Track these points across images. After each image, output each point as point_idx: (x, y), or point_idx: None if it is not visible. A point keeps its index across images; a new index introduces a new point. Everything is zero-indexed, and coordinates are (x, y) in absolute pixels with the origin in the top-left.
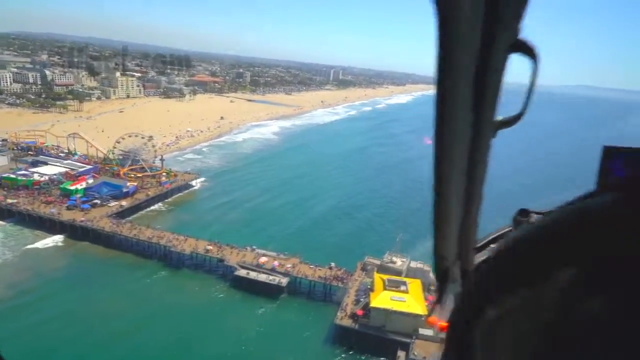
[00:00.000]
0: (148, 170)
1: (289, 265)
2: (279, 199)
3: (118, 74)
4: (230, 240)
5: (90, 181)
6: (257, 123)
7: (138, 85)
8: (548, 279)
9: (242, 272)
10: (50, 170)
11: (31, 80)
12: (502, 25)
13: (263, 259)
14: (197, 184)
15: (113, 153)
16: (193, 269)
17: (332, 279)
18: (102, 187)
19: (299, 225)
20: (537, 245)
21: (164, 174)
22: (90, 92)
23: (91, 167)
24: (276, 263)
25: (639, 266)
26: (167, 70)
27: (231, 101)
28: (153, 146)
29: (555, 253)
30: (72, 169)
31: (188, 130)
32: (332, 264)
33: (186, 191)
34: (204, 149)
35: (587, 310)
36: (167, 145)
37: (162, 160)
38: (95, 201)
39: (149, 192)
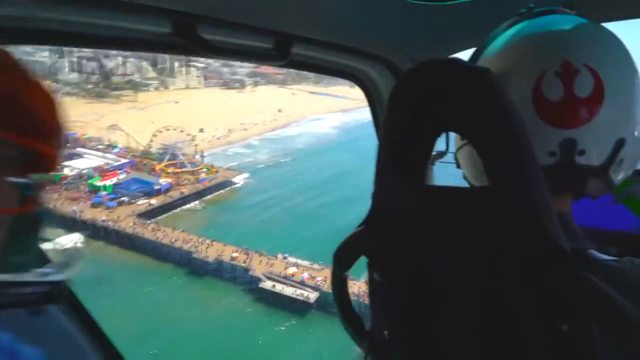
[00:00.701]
0: (188, 166)
1: (319, 278)
2: (322, 198)
3: (177, 64)
4: (260, 243)
5: (122, 177)
6: (316, 116)
7: (198, 76)
8: None
9: (267, 284)
10: (83, 163)
11: (89, 70)
12: None
13: (291, 270)
14: (239, 180)
15: (150, 147)
16: (216, 276)
17: (367, 296)
18: (132, 184)
19: (338, 228)
20: None
21: (204, 170)
22: (149, 82)
23: (127, 161)
24: (306, 275)
25: None
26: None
27: (292, 93)
28: (193, 139)
29: None
30: (107, 163)
31: (242, 123)
32: None
33: (227, 188)
34: (255, 143)
35: None
36: (218, 139)
37: (202, 156)
38: (123, 199)
39: (184, 190)
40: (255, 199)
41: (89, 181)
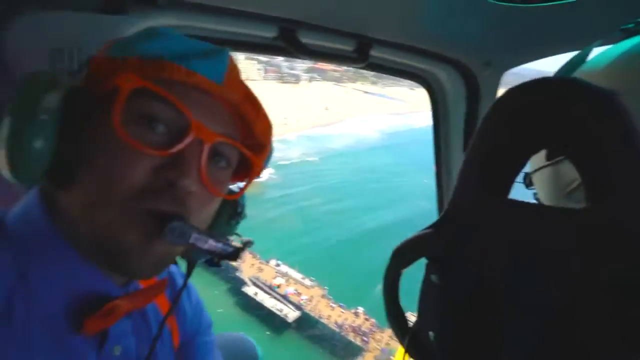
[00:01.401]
0: None
1: (304, 297)
2: (340, 203)
3: (243, 56)
4: (259, 241)
5: None
6: (363, 117)
7: (259, 69)
8: None
9: (250, 290)
10: None
11: None
12: None
13: (277, 281)
14: (264, 175)
15: None
16: (204, 267)
17: (349, 330)
18: None
19: (346, 239)
20: None
21: None
22: None
23: None
24: (290, 290)
25: None
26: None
27: (346, 92)
28: None
29: None
30: None
31: (285, 118)
32: (360, 309)
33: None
34: (291, 139)
35: None
36: None
37: None
38: None
39: None
40: (272, 194)
41: None
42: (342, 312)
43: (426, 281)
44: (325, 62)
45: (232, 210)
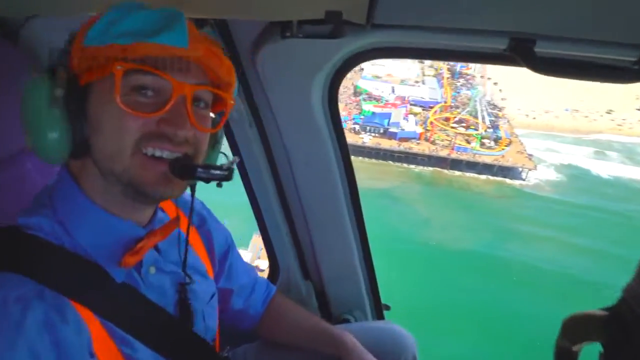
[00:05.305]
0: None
1: None
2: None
3: None
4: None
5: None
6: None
7: None
8: None
9: None
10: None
11: None
12: None
13: None
14: (531, 177)
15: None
16: None
17: None
18: (375, 117)
19: None
20: None
21: (483, 133)
22: None
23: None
24: None
25: None
26: None
27: None
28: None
29: None
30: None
31: (566, 110)
32: None
33: (506, 179)
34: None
35: None
36: (533, 119)
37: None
38: (354, 126)
39: (423, 148)
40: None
41: (363, 101)
42: None
43: None
44: (583, 79)
45: (215, 139)
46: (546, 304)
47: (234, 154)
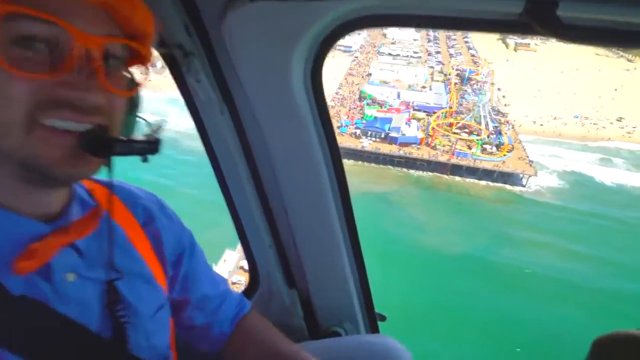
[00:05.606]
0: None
1: None
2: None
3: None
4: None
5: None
6: None
7: None
8: None
9: None
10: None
11: None
12: None
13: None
14: (531, 184)
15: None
16: None
17: None
18: (376, 122)
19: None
20: None
21: (485, 139)
22: None
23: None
24: None
25: None
26: None
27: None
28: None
29: None
30: (404, 102)
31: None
32: None
33: (506, 185)
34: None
35: None
36: (540, 125)
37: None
38: (356, 130)
39: (423, 153)
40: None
41: (367, 106)
42: None
43: None
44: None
45: (133, 103)
46: (542, 309)
47: (204, 147)
